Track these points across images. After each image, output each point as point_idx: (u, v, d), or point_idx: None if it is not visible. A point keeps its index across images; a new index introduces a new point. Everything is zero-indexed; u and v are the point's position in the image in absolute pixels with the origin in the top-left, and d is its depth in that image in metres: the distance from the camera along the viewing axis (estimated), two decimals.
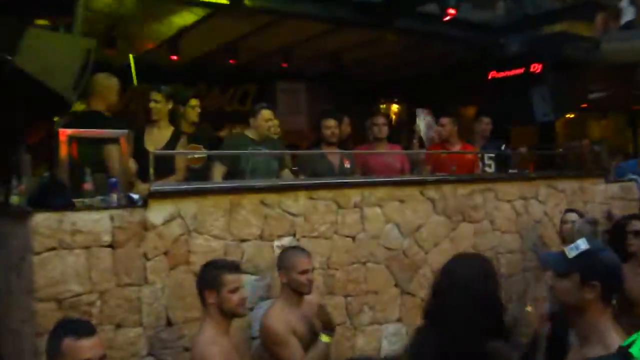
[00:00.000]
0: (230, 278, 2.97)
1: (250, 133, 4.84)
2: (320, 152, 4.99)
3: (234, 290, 2.95)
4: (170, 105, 4.74)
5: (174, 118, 4.92)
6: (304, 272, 3.32)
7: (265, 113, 4.80)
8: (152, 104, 4.66)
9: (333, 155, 5.02)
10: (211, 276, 2.99)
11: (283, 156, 4.92)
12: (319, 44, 7.81)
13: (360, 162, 5.21)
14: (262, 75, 9.33)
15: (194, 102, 5.15)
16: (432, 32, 7.23)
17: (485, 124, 6.01)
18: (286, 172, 4.90)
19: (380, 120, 5.36)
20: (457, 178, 4.72)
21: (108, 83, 4.33)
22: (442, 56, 8.56)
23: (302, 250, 3.47)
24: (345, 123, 5.65)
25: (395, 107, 10.86)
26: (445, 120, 5.60)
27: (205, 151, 4.96)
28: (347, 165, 5.05)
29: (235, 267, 3.05)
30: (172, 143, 4.63)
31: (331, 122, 5.03)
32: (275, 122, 5.11)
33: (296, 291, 3.32)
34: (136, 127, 4.48)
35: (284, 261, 3.39)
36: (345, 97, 9.45)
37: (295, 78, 9.26)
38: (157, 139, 4.60)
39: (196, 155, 4.92)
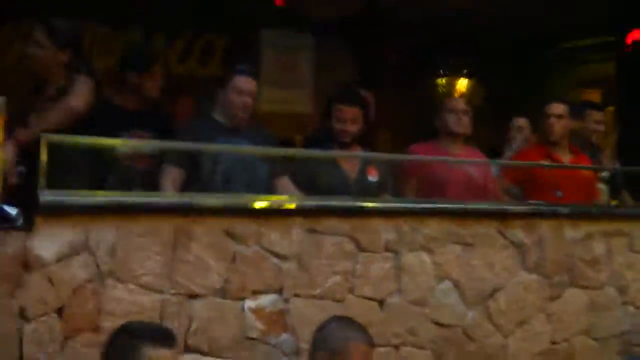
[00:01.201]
0: (153, 355, 3.01)
1: (218, 115, 4.87)
2: (330, 154, 5.03)
3: None
4: (65, 56, 4.75)
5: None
6: None
7: (241, 81, 4.81)
8: (31, 50, 4.69)
9: (350, 161, 5.07)
10: (122, 350, 3.02)
11: (276, 156, 4.94)
12: None
13: (411, 171, 5.30)
14: (238, 19, 9.38)
15: (156, 68, 5.26)
16: None
17: (595, 122, 6.08)
18: (286, 184, 4.91)
19: (460, 104, 5.44)
20: (568, 210, 4.75)
21: None
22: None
23: (359, 328, 3.57)
24: (370, 104, 5.71)
25: (463, 84, 10.89)
26: (558, 107, 5.70)
27: (145, 141, 4.99)
28: (373, 177, 5.11)
29: (165, 338, 3.05)
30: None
31: (347, 111, 5.09)
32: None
33: None
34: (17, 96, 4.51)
35: (328, 341, 3.50)
36: (379, 62, 9.50)
37: (295, 25, 9.32)
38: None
39: (140, 148, 4.96)
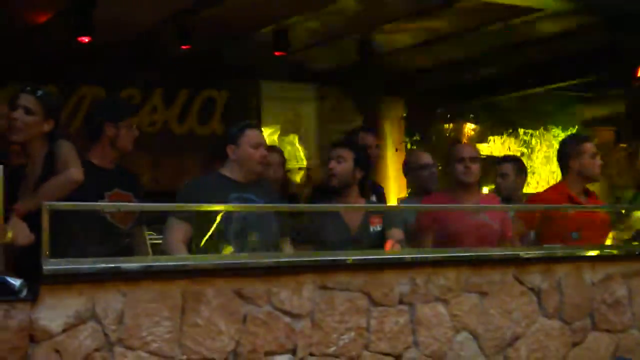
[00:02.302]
0: None
1: (229, 171, 4.91)
2: (336, 207, 5.04)
3: None
4: (48, 126, 4.75)
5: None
6: None
7: (254, 135, 4.92)
8: (16, 114, 4.69)
9: (352, 212, 5.12)
10: None
11: (284, 215, 4.97)
12: (338, 15, 7.92)
13: (425, 223, 5.32)
14: (239, 71, 9.45)
15: (134, 121, 5.26)
16: None
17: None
18: (286, 245, 4.97)
19: (467, 152, 5.45)
20: (585, 252, 4.76)
21: None
22: (552, 40, 8.67)
23: None
24: (372, 147, 5.74)
25: (470, 128, 10.94)
26: (590, 146, 5.72)
27: (137, 204, 5.01)
28: (377, 226, 5.15)
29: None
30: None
31: (334, 151, 5.21)
32: (275, 155, 5.23)
33: None
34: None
35: None
36: (381, 108, 9.55)
37: (296, 76, 9.37)
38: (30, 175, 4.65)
39: (122, 209, 4.97)
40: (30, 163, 4.64)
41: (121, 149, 5.11)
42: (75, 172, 4.45)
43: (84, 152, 5.04)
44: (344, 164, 5.17)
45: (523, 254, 4.67)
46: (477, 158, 5.41)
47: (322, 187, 5.39)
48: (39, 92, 4.70)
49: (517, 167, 6.58)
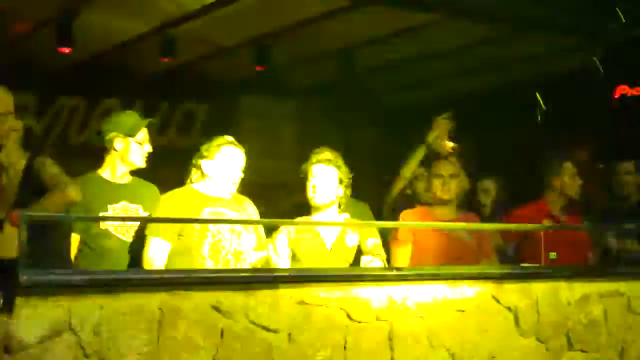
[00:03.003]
0: None
1: (202, 186, 4.92)
2: (313, 223, 5.07)
3: None
4: (18, 126, 4.75)
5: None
6: None
7: (233, 152, 4.95)
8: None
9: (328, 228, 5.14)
10: None
11: (257, 230, 4.98)
12: (318, 32, 7.96)
13: (405, 236, 5.36)
14: (219, 85, 9.46)
15: (143, 135, 5.28)
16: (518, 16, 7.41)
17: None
18: (263, 259, 4.97)
19: (447, 167, 5.48)
20: (563, 272, 4.76)
21: None
22: (535, 59, 8.72)
23: None
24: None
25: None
26: (570, 165, 5.81)
27: (131, 216, 5.04)
28: (351, 242, 5.19)
29: None
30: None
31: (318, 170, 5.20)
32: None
33: None
34: None
35: None
36: (362, 126, 9.56)
37: (276, 91, 9.39)
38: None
39: (127, 223, 5.03)
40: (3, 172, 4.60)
41: (131, 164, 5.13)
42: (73, 192, 4.44)
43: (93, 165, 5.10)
44: (329, 183, 5.19)
45: (500, 272, 4.68)
46: (455, 175, 5.44)
47: (302, 203, 5.39)
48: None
49: (499, 184, 6.63)
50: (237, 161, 4.92)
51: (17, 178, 4.55)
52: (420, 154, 6.06)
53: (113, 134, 5.11)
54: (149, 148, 5.20)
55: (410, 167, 6.09)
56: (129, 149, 5.13)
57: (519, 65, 9.05)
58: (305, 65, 8.86)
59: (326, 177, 5.17)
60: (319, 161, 5.23)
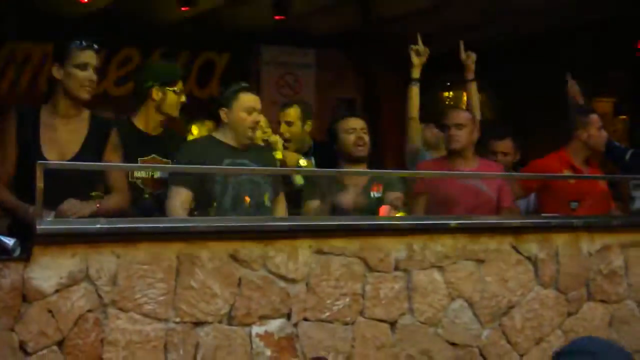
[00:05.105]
0: None
1: (221, 135, 4.88)
2: (335, 172, 5.04)
3: None
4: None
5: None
6: None
7: (248, 99, 4.86)
8: (82, 74, 4.57)
9: (354, 178, 5.13)
10: None
11: (279, 177, 4.96)
12: None
13: (420, 188, 5.33)
14: (238, 36, 9.41)
15: (179, 86, 5.25)
16: None
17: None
18: (281, 205, 4.95)
19: (454, 119, 5.42)
20: (583, 223, 4.73)
21: None
22: (558, 10, 8.63)
23: None
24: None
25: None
26: (597, 118, 5.76)
27: (152, 164, 5.02)
28: (377, 192, 5.15)
29: None
30: (93, 143, 4.63)
31: (356, 123, 5.21)
32: (263, 117, 5.19)
33: None
34: (19, 112, 4.51)
35: None
36: (384, 76, 9.51)
37: (296, 41, 9.33)
38: (62, 135, 4.60)
39: (155, 174, 5.01)
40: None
41: (167, 114, 5.12)
42: (125, 202, 4.48)
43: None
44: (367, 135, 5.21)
45: (520, 223, 4.66)
46: (462, 125, 5.37)
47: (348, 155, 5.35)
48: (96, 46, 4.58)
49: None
50: (253, 107, 4.86)
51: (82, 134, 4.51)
52: (413, 92, 5.99)
53: (150, 83, 5.11)
54: (184, 99, 5.19)
55: (413, 106, 6.01)
56: (167, 98, 5.12)
57: (542, 16, 8.94)
58: (324, 14, 8.76)
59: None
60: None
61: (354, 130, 5.22)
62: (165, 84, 5.11)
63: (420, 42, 6.00)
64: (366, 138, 5.23)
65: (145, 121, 5.11)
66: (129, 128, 5.04)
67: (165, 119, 5.16)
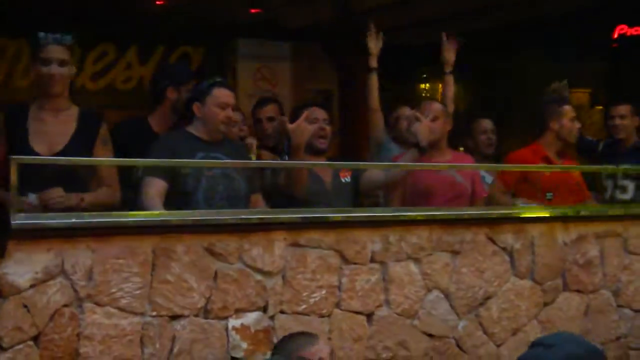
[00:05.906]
0: None
1: (195, 129, 4.87)
2: (309, 164, 5.04)
3: None
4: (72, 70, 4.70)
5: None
6: None
7: (221, 94, 4.82)
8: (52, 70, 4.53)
9: (324, 168, 5.14)
10: None
11: (254, 172, 4.96)
12: None
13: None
14: (213, 29, 9.39)
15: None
16: None
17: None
18: (258, 200, 4.95)
19: (426, 109, 5.42)
20: (559, 213, 4.76)
21: None
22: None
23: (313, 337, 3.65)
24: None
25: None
26: (570, 109, 5.78)
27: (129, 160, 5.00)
28: (346, 178, 5.17)
29: None
30: (82, 137, 4.61)
31: (319, 113, 5.17)
32: (236, 114, 5.22)
33: None
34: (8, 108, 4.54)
35: (287, 349, 3.55)
36: (359, 68, 9.49)
37: (271, 34, 9.32)
38: (51, 128, 4.58)
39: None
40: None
41: (182, 113, 5.13)
42: (115, 196, 4.59)
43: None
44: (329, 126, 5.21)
45: (496, 213, 4.68)
46: (435, 117, 5.37)
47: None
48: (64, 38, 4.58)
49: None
50: (226, 102, 4.84)
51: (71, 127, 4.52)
52: (373, 81, 6.02)
53: (166, 83, 5.17)
54: None
55: (373, 97, 6.03)
56: (182, 98, 5.16)
57: (518, 7, 8.96)
58: (300, 6, 8.76)
59: None
60: None
61: (316, 120, 5.14)
62: (180, 83, 5.16)
63: (373, 30, 6.02)
64: (328, 129, 5.20)
65: (161, 121, 5.17)
66: (145, 128, 5.08)
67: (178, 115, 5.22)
